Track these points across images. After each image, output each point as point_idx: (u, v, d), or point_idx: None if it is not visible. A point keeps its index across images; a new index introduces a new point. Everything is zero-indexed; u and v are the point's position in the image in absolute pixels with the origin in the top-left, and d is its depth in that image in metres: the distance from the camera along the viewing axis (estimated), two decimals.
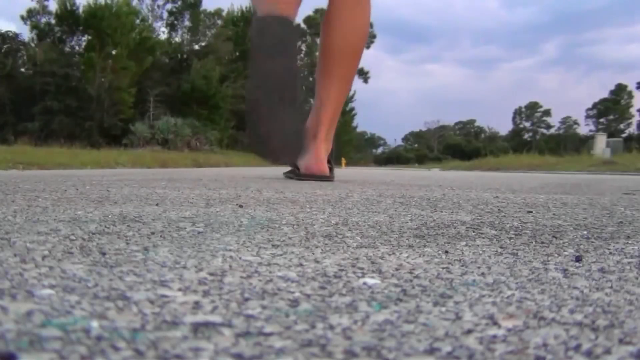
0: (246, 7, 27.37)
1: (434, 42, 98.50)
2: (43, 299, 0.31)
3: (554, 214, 0.90)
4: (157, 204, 0.94)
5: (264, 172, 3.67)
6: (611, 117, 45.43)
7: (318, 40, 2.08)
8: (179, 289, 0.35)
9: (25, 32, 29.45)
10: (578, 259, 0.49)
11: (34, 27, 21.52)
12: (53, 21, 21.56)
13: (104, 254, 0.46)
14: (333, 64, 1.89)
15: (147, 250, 0.49)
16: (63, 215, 0.75)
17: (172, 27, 25.68)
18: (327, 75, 1.91)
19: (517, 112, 50.91)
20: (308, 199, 1.13)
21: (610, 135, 24.37)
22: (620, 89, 45.74)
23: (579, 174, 5.74)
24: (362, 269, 0.43)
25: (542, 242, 0.59)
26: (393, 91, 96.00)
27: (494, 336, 0.27)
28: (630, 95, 45.05)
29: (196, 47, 25.39)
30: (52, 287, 0.34)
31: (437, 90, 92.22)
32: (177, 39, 25.72)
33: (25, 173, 2.90)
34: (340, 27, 1.84)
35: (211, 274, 0.39)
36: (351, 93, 35.25)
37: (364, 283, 0.38)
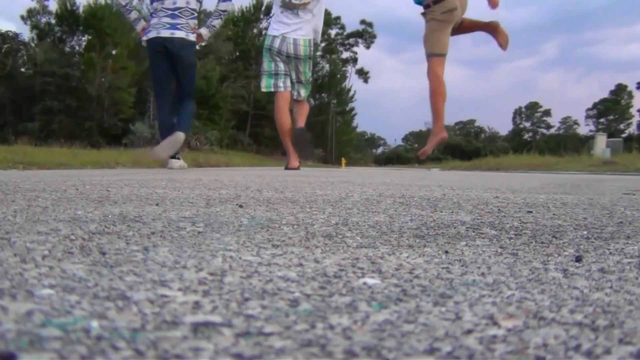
0: (246, 7, 27.38)
1: None
2: (43, 299, 0.31)
3: (554, 214, 0.90)
4: (157, 204, 0.94)
5: (263, 172, 3.67)
6: (611, 117, 45.45)
7: None
8: (179, 289, 0.35)
9: (25, 32, 29.44)
10: (578, 259, 0.49)
11: (34, 27, 21.53)
12: (53, 21, 21.59)
13: (104, 254, 0.46)
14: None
15: (147, 250, 0.49)
16: (63, 215, 0.75)
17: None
18: None
19: (517, 112, 50.94)
20: (308, 199, 1.13)
21: (610, 135, 24.37)
22: (620, 89, 45.76)
23: (579, 174, 5.74)
24: (362, 269, 0.43)
25: (542, 242, 0.59)
26: (393, 91, 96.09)
27: (494, 336, 0.27)
28: (630, 95, 45.09)
29: (196, 47, 25.35)
30: (52, 287, 0.34)
31: None
32: None
33: (25, 173, 2.90)
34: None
35: (211, 274, 0.39)
36: (351, 93, 35.24)
37: (364, 283, 0.38)
